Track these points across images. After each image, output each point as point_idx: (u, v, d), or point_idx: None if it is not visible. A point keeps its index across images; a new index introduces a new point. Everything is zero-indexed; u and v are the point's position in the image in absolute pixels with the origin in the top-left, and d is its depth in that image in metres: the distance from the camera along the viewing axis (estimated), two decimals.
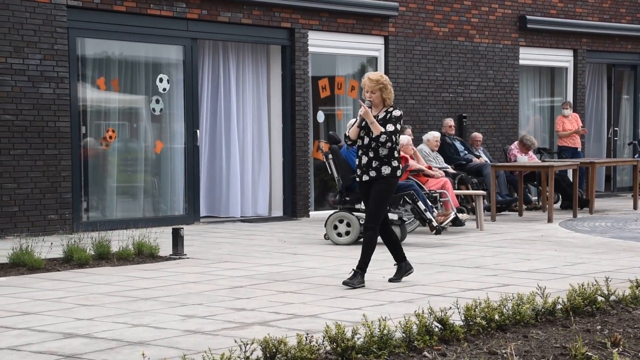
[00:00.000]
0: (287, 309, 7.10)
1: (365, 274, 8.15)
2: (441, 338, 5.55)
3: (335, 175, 11.67)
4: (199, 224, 13.80)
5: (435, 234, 11.64)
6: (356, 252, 10.60)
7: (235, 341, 5.24)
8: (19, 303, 7.36)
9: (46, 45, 12.08)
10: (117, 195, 13.37)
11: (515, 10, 18.02)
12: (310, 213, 15.14)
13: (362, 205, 11.35)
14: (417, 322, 5.52)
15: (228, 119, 14.69)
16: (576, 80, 19.32)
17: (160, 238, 10.52)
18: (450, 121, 16.12)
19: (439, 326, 5.63)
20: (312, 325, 6.40)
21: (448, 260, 9.89)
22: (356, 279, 8.04)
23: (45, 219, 12.07)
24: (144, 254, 9.88)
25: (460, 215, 12.50)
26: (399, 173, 8.16)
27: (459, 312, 5.88)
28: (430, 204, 11.79)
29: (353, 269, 8.15)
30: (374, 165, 8.05)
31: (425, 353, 5.29)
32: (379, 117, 8.09)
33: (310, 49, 15.09)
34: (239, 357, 4.84)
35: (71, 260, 9.39)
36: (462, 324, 5.77)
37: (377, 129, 7.94)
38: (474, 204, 13.84)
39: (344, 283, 8.04)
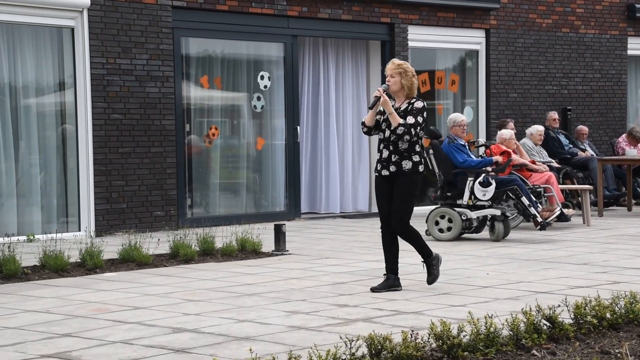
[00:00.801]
0: (390, 306, 7.09)
1: (464, 271, 8.03)
2: (550, 336, 5.46)
3: (436, 170, 11.59)
4: (299, 220, 13.88)
5: (540, 229, 11.46)
6: (459, 247, 10.55)
7: (340, 337, 5.25)
8: (129, 298, 7.54)
9: (152, 45, 12.33)
10: (220, 191, 13.56)
11: None
12: None
13: (462, 201, 11.27)
14: (525, 320, 5.44)
15: (328, 115, 14.74)
16: None
17: (263, 234, 10.62)
18: (554, 114, 15.81)
19: (548, 324, 5.54)
20: (416, 322, 6.38)
21: (554, 257, 9.72)
22: (434, 268, 7.76)
23: (151, 215, 12.34)
24: (247, 250, 10.00)
25: (565, 211, 12.28)
26: (421, 168, 7.68)
27: (568, 310, 5.77)
28: (534, 199, 11.60)
29: (422, 261, 7.86)
30: (393, 159, 7.62)
31: (534, 351, 5.21)
32: (401, 108, 7.69)
33: (410, 43, 15.01)
34: (344, 353, 4.84)
35: (177, 256, 9.57)
36: (572, 322, 5.67)
37: (395, 119, 7.53)
38: (579, 198, 13.57)
39: (429, 282, 7.80)
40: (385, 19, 14.68)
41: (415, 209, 14.60)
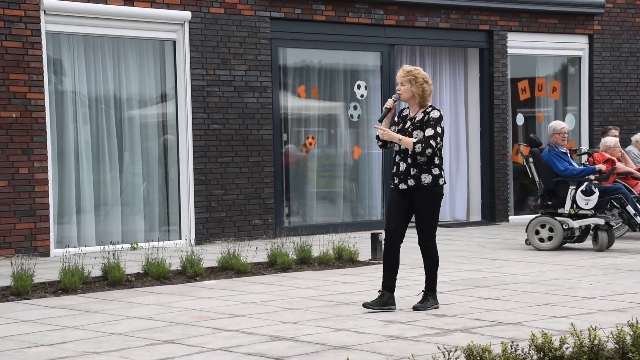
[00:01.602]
0: (489, 316, 7.00)
1: (566, 281, 7.85)
2: None
3: (536, 179, 11.41)
4: None
5: None
6: (560, 257, 10.35)
7: (438, 347, 5.20)
8: (228, 305, 7.63)
9: (251, 56, 12.48)
10: (317, 200, 13.62)
11: None
12: (510, 218, 14.87)
13: (564, 210, 11.05)
14: (631, 333, 5.29)
15: None
16: None
17: (359, 243, 10.61)
18: None
19: None
20: (516, 334, 6.28)
21: None
22: (430, 301, 7.29)
23: (249, 224, 12.47)
24: (344, 259, 10.02)
25: None
26: (441, 182, 7.20)
27: None
28: None
29: (422, 291, 7.38)
30: (412, 173, 7.15)
31: None
32: (416, 118, 7.20)
33: (510, 50, 14.83)
34: None
35: (275, 264, 9.64)
36: None
37: (407, 143, 7.10)
38: None
39: (415, 308, 7.24)
40: (484, 26, 14.53)
41: (514, 217, 14.66)
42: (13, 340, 6.34)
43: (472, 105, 14.94)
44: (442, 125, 7.19)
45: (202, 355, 5.81)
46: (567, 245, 11.27)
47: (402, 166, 7.19)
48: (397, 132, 7.25)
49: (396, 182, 7.25)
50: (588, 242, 11.25)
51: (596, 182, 11.19)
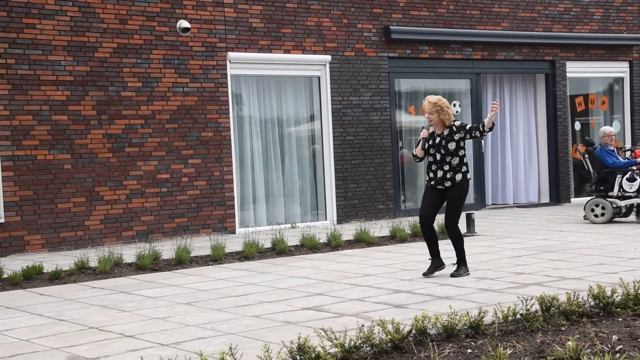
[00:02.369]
0: (557, 273, 6.78)
1: (615, 246, 7.52)
2: None
3: (591, 170, 10.97)
4: (485, 210, 13.54)
5: None
6: (610, 229, 9.90)
7: (518, 297, 5.09)
8: (361, 268, 7.66)
9: (374, 85, 12.46)
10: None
11: None
12: (571, 199, 14.32)
13: (613, 193, 10.58)
14: None
15: (503, 131, 14.32)
16: None
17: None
18: None
19: None
20: (577, 286, 6.06)
21: None
22: (462, 269, 6.84)
23: (375, 208, 12.45)
24: (446, 233, 9.84)
25: None
26: (469, 176, 6.80)
27: None
28: None
29: (453, 263, 6.96)
30: (448, 176, 6.75)
31: None
32: (444, 134, 6.76)
33: (568, 74, 14.27)
34: (521, 309, 4.70)
35: (395, 237, 9.59)
36: None
37: (487, 124, 6.59)
38: None
39: (452, 275, 6.80)
40: (548, 57, 14.04)
41: (574, 199, 14.14)
42: (212, 292, 6.55)
43: (541, 116, 14.46)
44: (465, 129, 6.76)
45: (344, 304, 5.85)
46: (615, 219, 10.78)
47: (440, 173, 6.79)
48: (429, 147, 6.84)
49: (433, 183, 6.86)
50: (632, 217, 10.74)
51: (637, 171, 10.67)
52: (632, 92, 14.98)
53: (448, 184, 6.80)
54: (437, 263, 6.95)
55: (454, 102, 13.52)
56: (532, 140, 14.53)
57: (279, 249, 8.72)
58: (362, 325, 4.31)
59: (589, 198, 11.20)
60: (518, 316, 4.63)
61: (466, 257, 7.02)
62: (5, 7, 9.46)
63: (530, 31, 13.82)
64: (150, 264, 7.82)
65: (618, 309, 4.81)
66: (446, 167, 6.79)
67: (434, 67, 13.13)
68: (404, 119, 13.27)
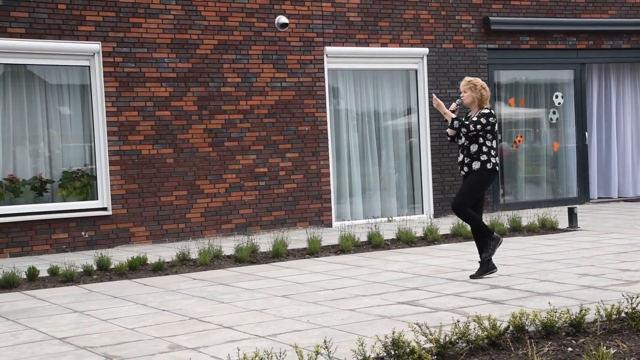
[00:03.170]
0: None
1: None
2: None
3: None
4: (588, 204, 13.04)
5: None
6: None
7: (623, 295, 4.89)
8: (458, 262, 7.55)
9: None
10: (525, 183, 13.12)
11: None
12: None
13: None
14: None
15: (610, 122, 13.73)
16: None
17: (559, 215, 10.15)
18: None
19: None
20: None
21: None
22: (485, 266, 6.57)
23: None
24: (546, 227, 9.59)
25: None
26: (489, 166, 6.50)
27: None
28: None
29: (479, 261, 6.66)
30: (466, 161, 6.56)
31: None
32: (473, 117, 6.60)
33: None
34: (627, 307, 4.51)
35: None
36: None
37: (448, 116, 6.59)
38: None
39: (472, 277, 6.54)
40: None
41: None
42: (308, 285, 6.63)
43: None
44: (489, 120, 6.51)
45: (439, 299, 5.80)
46: None
47: (460, 157, 6.63)
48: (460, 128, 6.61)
49: (459, 169, 6.70)
50: None
51: None
52: None
53: (466, 169, 6.60)
54: (495, 239, 6.57)
55: (556, 93, 13.09)
56: None
57: (374, 243, 8.72)
58: (458, 321, 4.26)
59: None
60: (623, 315, 4.45)
61: (490, 249, 6.58)
62: (114, 7, 9.90)
63: None
64: (248, 257, 8.01)
65: None
66: (465, 152, 6.61)
67: (536, 57, 12.75)
68: (504, 111, 12.96)
